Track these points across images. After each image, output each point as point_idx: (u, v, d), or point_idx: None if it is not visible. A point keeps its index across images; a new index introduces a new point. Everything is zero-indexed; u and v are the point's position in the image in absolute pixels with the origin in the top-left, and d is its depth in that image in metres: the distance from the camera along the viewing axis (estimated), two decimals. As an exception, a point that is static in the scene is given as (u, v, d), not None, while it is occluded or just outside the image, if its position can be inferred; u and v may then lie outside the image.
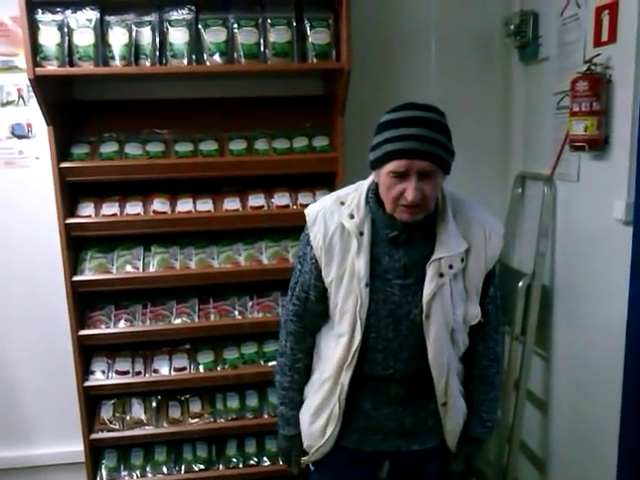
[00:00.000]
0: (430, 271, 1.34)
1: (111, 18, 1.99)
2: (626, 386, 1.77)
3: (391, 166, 1.26)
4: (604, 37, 1.77)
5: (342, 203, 1.40)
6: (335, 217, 1.39)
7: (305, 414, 1.51)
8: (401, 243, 1.35)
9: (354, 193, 1.42)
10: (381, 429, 1.45)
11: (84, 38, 1.96)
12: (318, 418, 1.46)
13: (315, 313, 1.47)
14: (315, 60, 2.05)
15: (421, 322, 1.35)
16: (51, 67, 1.95)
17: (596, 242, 1.91)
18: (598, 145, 1.80)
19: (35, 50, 1.92)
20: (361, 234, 1.36)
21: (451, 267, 1.34)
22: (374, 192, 1.37)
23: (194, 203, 2.19)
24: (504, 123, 2.47)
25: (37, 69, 1.91)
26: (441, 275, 1.34)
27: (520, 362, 2.21)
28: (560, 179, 2.09)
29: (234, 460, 2.28)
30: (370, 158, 1.32)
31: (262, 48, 2.03)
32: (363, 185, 1.42)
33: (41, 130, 2.17)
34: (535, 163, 2.28)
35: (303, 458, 1.55)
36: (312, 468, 1.55)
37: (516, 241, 2.43)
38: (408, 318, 1.36)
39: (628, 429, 1.76)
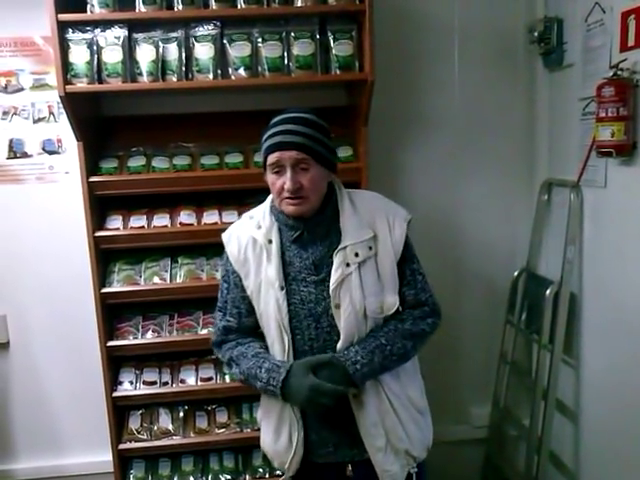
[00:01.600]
0: (337, 260, 1.40)
1: (138, 35, 2.02)
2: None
3: (268, 161, 1.38)
4: (630, 42, 1.76)
5: (251, 217, 1.51)
6: (247, 232, 1.49)
7: (267, 435, 1.54)
8: (307, 242, 1.43)
9: (261, 206, 1.52)
10: (332, 441, 1.47)
11: (112, 55, 2.00)
12: (280, 434, 1.49)
13: (249, 327, 1.53)
14: (338, 72, 2.07)
15: None
16: (81, 84, 1.99)
17: (624, 249, 1.88)
18: (626, 151, 1.78)
19: (65, 68, 1.97)
20: (270, 242, 1.44)
21: (357, 255, 1.39)
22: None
23: (220, 215, 2.22)
24: (529, 130, 2.45)
25: (67, 87, 1.96)
26: (348, 265, 1.39)
27: (548, 370, 2.18)
28: (587, 185, 2.06)
29: (260, 470, 2.28)
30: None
31: (286, 61, 2.05)
32: (269, 197, 1.50)
33: (71, 145, 2.22)
34: (561, 170, 2.25)
35: (282, 478, 1.54)
36: None
37: (543, 248, 2.40)
38: (328, 314, 1.41)
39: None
